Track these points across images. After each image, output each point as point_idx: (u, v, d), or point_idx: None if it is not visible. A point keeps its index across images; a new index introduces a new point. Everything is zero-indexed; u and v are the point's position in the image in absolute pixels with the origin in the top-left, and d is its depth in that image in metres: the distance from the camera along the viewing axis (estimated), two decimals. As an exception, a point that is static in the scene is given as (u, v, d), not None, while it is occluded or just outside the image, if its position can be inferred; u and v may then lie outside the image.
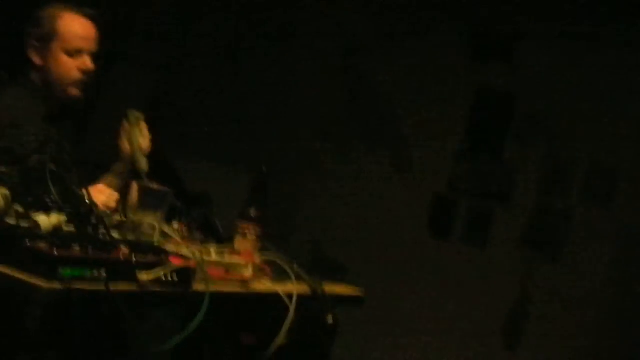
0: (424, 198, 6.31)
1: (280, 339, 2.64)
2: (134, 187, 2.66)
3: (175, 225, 2.98)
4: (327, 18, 6.64)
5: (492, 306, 6.04)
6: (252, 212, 2.87)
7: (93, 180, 3.44)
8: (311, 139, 6.59)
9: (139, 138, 3.38)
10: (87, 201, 2.33)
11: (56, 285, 1.90)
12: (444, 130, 6.30)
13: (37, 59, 3.46)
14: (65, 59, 3.46)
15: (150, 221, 2.60)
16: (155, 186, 2.68)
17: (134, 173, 3.26)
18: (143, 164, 3.28)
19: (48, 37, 3.44)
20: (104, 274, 2.01)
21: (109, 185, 3.43)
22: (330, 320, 2.94)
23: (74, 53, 3.46)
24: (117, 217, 2.57)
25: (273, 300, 2.69)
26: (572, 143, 6.04)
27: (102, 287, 1.99)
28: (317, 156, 6.58)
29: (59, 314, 2.97)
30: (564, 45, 6.02)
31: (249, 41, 6.74)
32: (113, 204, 3.14)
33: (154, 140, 3.41)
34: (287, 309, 2.68)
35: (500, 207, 6.17)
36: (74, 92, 3.50)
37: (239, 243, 2.84)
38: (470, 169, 6.25)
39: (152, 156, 3.67)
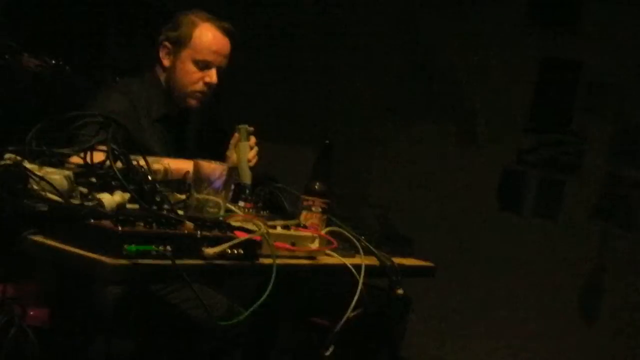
0: (493, 171, 6.25)
1: (350, 312, 2.62)
2: (198, 165, 2.65)
3: (242, 203, 2.98)
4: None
5: (566, 278, 5.97)
6: (317, 186, 2.85)
7: None
8: (375, 114, 6.56)
9: (248, 152, 3.40)
10: (150, 179, 2.33)
11: (122, 262, 1.90)
12: (510, 101, 6.23)
13: (165, 61, 3.51)
14: (192, 68, 3.49)
15: (215, 199, 2.60)
16: (219, 164, 2.67)
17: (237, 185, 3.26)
18: (247, 177, 3.31)
19: (180, 43, 3.48)
20: (169, 250, 2.00)
21: None
22: (400, 292, 2.91)
23: (202, 65, 3.50)
24: (181, 195, 2.57)
25: (341, 274, 2.67)
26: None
27: (168, 263, 1.98)
28: (383, 131, 6.55)
29: (130, 299, 3.01)
30: (631, 8, 5.91)
31: (308, 15, 6.73)
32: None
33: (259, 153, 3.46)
34: (356, 282, 2.66)
35: (571, 178, 6.09)
36: (192, 102, 3.55)
37: (305, 217, 2.82)
38: (538, 140, 6.17)
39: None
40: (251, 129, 3.44)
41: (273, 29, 6.74)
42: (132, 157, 2.42)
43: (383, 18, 6.62)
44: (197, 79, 3.49)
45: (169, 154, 3.41)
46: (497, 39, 6.27)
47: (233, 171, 2.64)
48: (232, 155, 3.46)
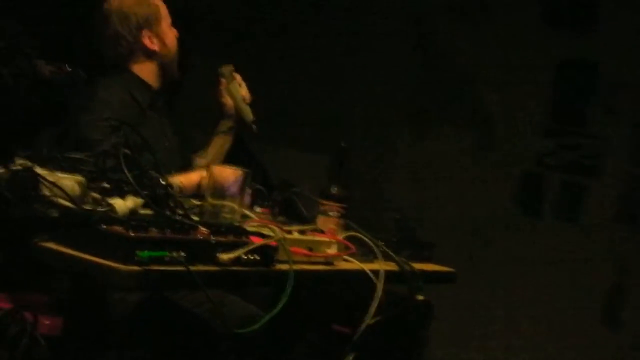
0: (512, 175, 6.20)
1: (369, 318, 2.57)
2: (213, 172, 2.60)
3: (258, 209, 2.94)
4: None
5: (588, 282, 5.90)
6: (333, 190, 2.80)
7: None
8: (393, 119, 6.51)
9: (239, 90, 3.48)
10: (163, 183, 2.28)
11: (134, 268, 1.85)
12: (527, 103, 6.18)
13: (154, 46, 3.48)
14: (171, 32, 3.54)
15: (230, 204, 2.55)
16: (232, 168, 2.62)
17: (240, 124, 3.46)
18: (249, 114, 3.44)
19: (156, 20, 3.48)
20: (182, 255, 1.95)
21: (219, 144, 3.52)
22: (420, 298, 2.86)
23: (171, 25, 3.56)
24: (196, 201, 2.53)
25: (360, 279, 2.62)
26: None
27: (181, 269, 1.93)
28: (401, 136, 6.50)
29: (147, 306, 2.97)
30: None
31: (320, 18, 6.69)
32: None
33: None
34: (374, 287, 2.61)
35: (592, 181, 6.03)
36: (176, 68, 3.59)
37: (322, 222, 2.77)
38: (558, 143, 6.12)
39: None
40: (231, 67, 3.51)
41: (289, 32, 6.70)
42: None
43: (399, 22, 6.57)
44: (175, 40, 3.56)
45: (168, 138, 3.43)
46: (514, 42, 6.22)
47: (247, 176, 2.58)
48: (226, 100, 3.54)
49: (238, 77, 3.52)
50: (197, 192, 2.67)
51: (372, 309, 2.54)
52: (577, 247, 5.94)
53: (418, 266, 2.96)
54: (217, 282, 2.12)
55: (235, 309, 3.00)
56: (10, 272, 2.74)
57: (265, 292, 2.85)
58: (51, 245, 1.96)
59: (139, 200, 2.19)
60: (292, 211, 3.08)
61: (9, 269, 2.76)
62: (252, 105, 3.54)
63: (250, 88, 3.58)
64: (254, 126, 3.45)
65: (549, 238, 6.05)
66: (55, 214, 2.01)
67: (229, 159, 3.57)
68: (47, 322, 2.25)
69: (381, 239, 2.86)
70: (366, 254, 2.76)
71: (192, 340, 3.03)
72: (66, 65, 3.53)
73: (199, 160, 3.56)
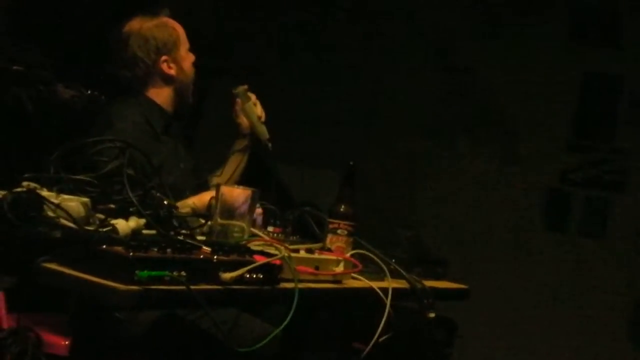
0: (536, 191, 6.17)
1: (378, 336, 2.56)
2: (222, 192, 2.61)
3: (271, 228, 2.94)
4: (422, 8, 6.55)
5: (614, 298, 5.86)
6: (342, 208, 2.80)
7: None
8: (416, 135, 6.50)
9: (254, 109, 3.52)
10: (166, 204, 2.30)
11: (133, 288, 1.86)
12: (552, 119, 6.15)
13: (171, 71, 3.51)
14: (189, 57, 3.56)
15: (239, 223, 2.56)
16: (240, 188, 2.63)
17: (256, 143, 3.51)
18: (264, 132, 3.49)
19: (174, 45, 3.52)
20: (183, 275, 1.96)
21: (234, 163, 3.54)
22: (432, 315, 2.84)
23: (188, 50, 3.59)
24: (203, 220, 2.54)
25: (369, 297, 2.61)
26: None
27: (182, 288, 1.94)
28: (424, 152, 6.48)
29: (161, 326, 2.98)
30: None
31: (342, 37, 6.70)
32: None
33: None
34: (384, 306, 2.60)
35: (617, 197, 5.99)
36: (191, 93, 3.60)
37: (330, 240, 2.77)
38: (582, 159, 6.09)
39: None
40: (246, 86, 3.54)
41: (311, 49, 6.72)
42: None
43: (422, 37, 6.57)
44: (191, 64, 3.58)
45: (183, 161, 3.49)
46: (538, 56, 6.21)
47: (255, 195, 2.59)
48: (242, 120, 3.58)
49: (253, 96, 3.54)
50: (209, 212, 2.67)
51: (381, 327, 2.53)
52: (602, 263, 5.91)
53: (430, 283, 2.94)
54: (220, 301, 2.12)
55: (249, 328, 3.00)
56: (26, 293, 2.77)
57: (282, 311, 2.85)
58: (53, 266, 1.98)
59: (142, 221, 2.20)
60: (306, 230, 3.08)
61: (25, 290, 2.78)
62: (266, 123, 3.58)
63: (264, 106, 3.61)
64: (269, 144, 3.48)
65: (574, 254, 6.02)
66: (58, 235, 2.03)
67: (246, 178, 3.59)
68: (53, 342, 2.26)
69: (393, 256, 2.85)
70: (377, 272, 2.75)
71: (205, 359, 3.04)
72: (86, 89, 3.56)
73: (215, 180, 3.58)
